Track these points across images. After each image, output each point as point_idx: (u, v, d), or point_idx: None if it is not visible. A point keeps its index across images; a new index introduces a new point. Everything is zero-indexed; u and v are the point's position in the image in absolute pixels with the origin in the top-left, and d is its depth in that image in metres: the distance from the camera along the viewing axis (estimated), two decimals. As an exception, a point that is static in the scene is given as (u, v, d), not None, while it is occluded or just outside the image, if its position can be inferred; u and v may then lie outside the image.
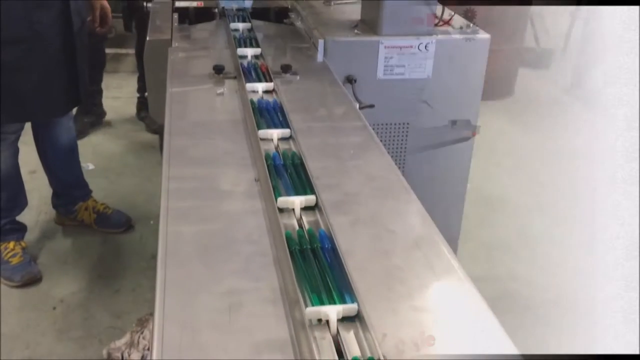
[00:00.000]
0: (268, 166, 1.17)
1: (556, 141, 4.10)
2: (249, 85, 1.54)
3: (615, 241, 2.99)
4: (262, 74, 1.67)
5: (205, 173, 1.16)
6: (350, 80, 1.87)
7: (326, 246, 0.97)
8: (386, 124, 1.95)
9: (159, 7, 2.32)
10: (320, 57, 1.83)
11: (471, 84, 1.98)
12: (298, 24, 2.12)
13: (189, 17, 2.17)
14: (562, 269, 2.79)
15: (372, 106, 1.78)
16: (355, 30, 1.92)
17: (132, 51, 4.39)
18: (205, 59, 1.75)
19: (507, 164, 3.78)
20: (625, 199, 3.35)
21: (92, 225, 2.87)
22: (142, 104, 3.90)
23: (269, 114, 1.43)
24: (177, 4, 2.20)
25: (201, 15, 2.19)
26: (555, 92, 4.97)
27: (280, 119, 1.40)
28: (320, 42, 1.83)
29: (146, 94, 2.05)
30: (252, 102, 1.46)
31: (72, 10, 2.33)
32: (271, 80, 1.59)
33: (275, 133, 1.32)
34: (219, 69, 1.60)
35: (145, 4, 2.38)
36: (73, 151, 2.78)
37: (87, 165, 3.39)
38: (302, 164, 1.20)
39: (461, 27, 1.95)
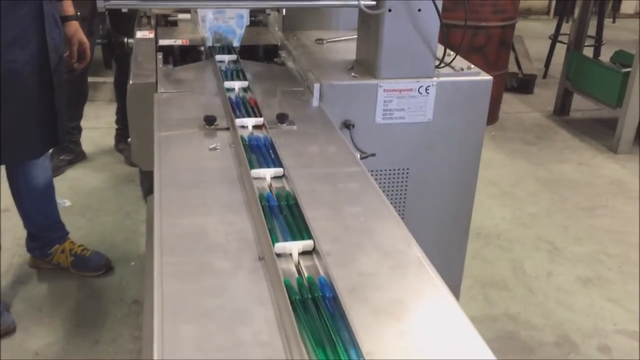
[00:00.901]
0: (263, 207, 1.13)
1: (543, 169, 4.05)
2: (239, 121, 1.50)
3: (613, 273, 2.92)
4: (250, 109, 1.61)
5: (202, 253, 1.04)
6: (347, 125, 1.77)
7: (327, 295, 0.94)
8: (386, 170, 1.86)
9: (141, 44, 2.20)
10: (315, 102, 1.73)
11: (473, 127, 1.90)
12: (289, 63, 2.02)
13: (173, 56, 2.05)
14: (561, 307, 2.71)
15: (373, 155, 1.69)
16: (352, 73, 1.82)
17: (110, 80, 4.26)
18: (194, 107, 1.63)
19: (496, 193, 3.72)
20: (619, 227, 3.29)
21: (69, 268, 2.72)
22: (121, 136, 3.76)
23: (260, 150, 1.40)
24: (161, 42, 2.08)
25: (186, 53, 2.07)
26: (539, 118, 4.95)
27: (272, 157, 1.39)
28: (316, 86, 1.73)
29: (129, 139, 1.91)
30: (242, 138, 1.43)
31: (49, 47, 2.20)
32: (260, 115, 1.56)
33: (268, 173, 1.30)
34: (210, 120, 1.49)
35: (126, 40, 2.26)
36: (49, 192, 2.63)
37: (63, 201, 3.23)
38: (297, 205, 1.18)
39: (462, 69, 1.87)
